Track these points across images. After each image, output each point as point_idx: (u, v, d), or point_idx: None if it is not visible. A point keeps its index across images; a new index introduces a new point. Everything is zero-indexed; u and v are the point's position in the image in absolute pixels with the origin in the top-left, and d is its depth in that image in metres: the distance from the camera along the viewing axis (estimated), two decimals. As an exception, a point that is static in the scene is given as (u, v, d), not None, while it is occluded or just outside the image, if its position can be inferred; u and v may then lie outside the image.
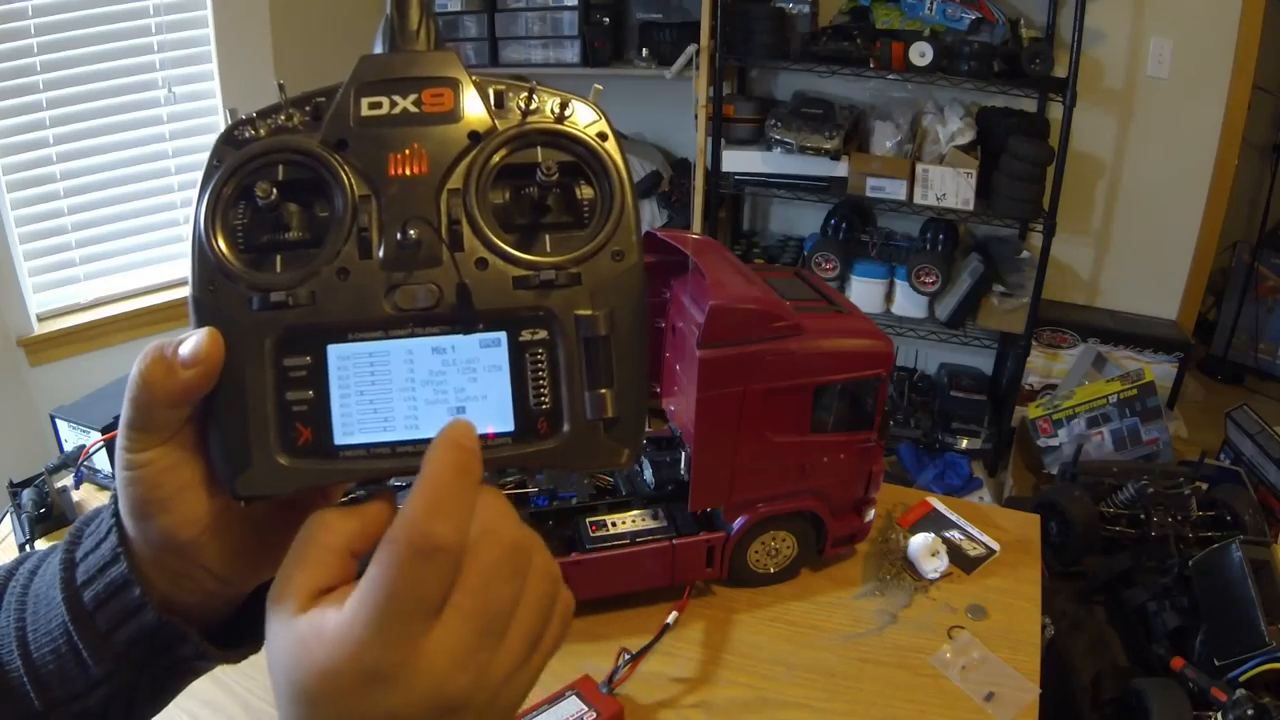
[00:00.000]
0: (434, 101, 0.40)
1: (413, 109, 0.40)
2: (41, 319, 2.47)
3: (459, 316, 0.39)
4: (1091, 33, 2.69)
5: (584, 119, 0.42)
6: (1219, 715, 1.19)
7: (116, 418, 1.33)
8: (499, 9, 3.04)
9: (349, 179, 0.39)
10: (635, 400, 0.40)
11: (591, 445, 0.40)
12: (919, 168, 2.78)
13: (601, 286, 0.40)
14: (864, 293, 2.97)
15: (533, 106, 0.41)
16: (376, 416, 0.39)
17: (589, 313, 0.39)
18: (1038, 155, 2.66)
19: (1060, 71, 2.66)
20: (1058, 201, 2.67)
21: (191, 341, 0.38)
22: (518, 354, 0.39)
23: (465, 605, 0.35)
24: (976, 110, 2.90)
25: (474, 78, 0.40)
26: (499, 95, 0.41)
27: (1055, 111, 2.79)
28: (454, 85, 0.40)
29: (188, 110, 2.57)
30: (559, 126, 0.41)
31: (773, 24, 2.83)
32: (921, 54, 2.66)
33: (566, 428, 0.39)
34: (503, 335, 0.39)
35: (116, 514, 0.42)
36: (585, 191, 0.41)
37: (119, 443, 0.40)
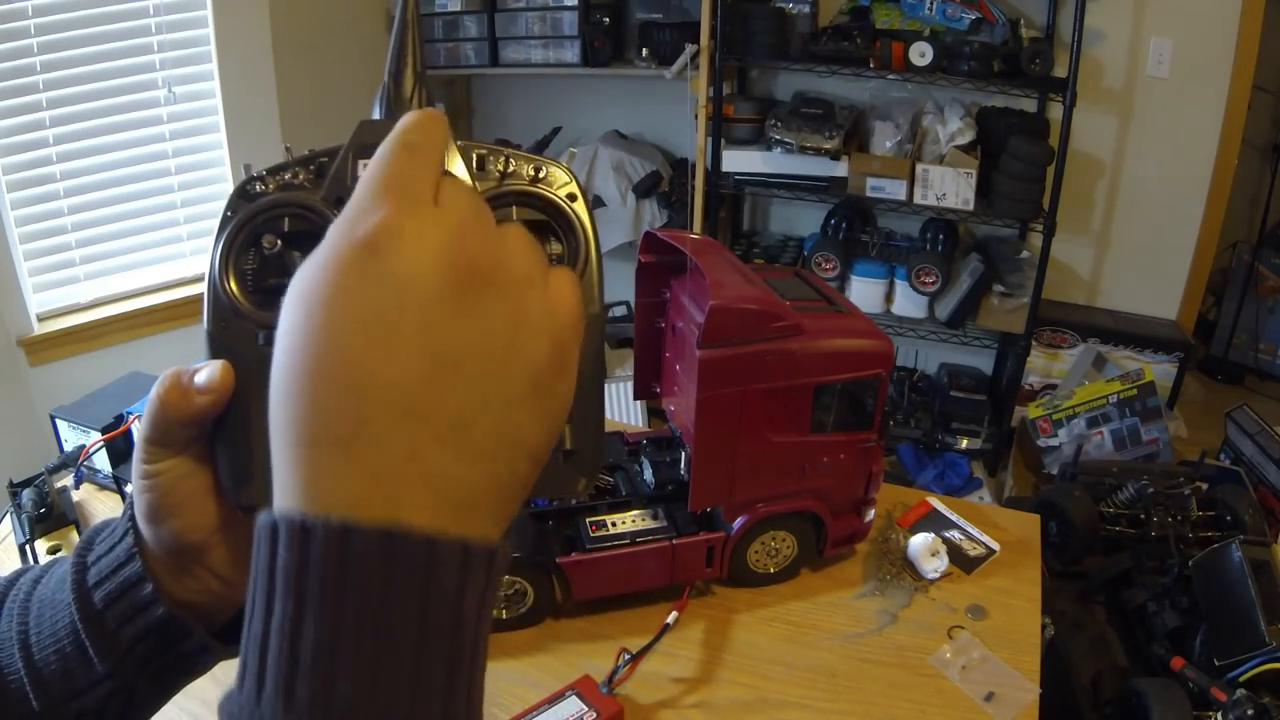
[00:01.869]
0: None
1: None
2: (41, 319, 2.47)
3: None
4: (1091, 33, 2.69)
5: (556, 181, 0.45)
6: (1219, 715, 1.19)
7: (117, 418, 1.34)
8: (499, 9, 3.04)
9: None
10: (593, 435, 0.43)
11: (550, 474, 0.42)
12: (919, 168, 2.78)
13: None
14: (864, 293, 2.97)
15: (510, 169, 0.45)
16: None
17: None
18: (1038, 155, 2.66)
19: (1060, 71, 2.66)
20: (1058, 201, 2.67)
21: (205, 372, 0.43)
22: None
23: (454, 197, 0.34)
24: (976, 110, 2.90)
25: (458, 143, 0.44)
26: (480, 159, 0.45)
27: (1055, 111, 2.79)
28: None
29: (188, 110, 2.57)
30: (532, 188, 0.45)
31: (773, 24, 2.83)
32: (921, 54, 2.66)
33: None
34: None
35: (132, 519, 0.46)
36: (555, 248, 0.45)
37: (136, 454, 0.44)
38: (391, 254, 0.30)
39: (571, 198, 0.45)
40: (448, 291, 0.30)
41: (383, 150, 0.34)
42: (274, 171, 0.46)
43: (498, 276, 0.32)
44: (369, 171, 0.33)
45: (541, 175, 0.45)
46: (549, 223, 0.45)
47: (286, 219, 0.45)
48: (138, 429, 0.45)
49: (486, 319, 0.31)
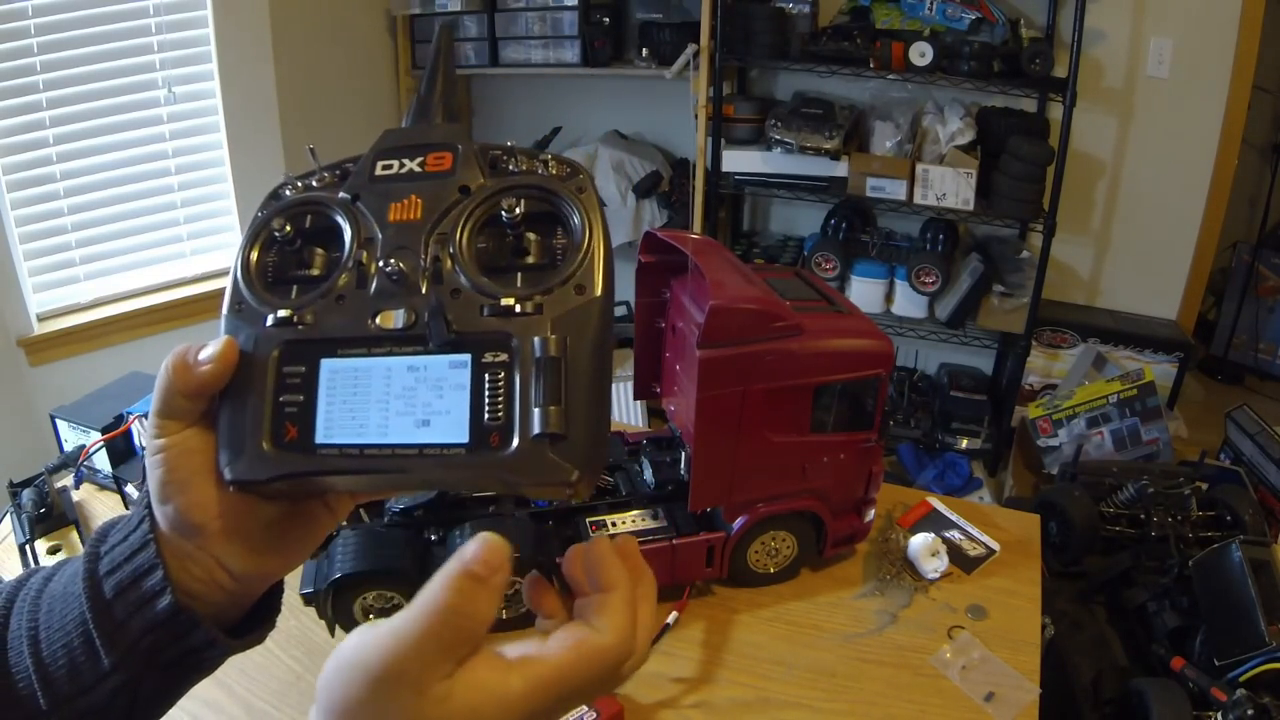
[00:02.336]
0: (435, 163, 0.47)
1: (417, 169, 0.47)
2: (41, 319, 2.47)
3: (431, 337, 0.44)
4: (1091, 33, 2.69)
5: (565, 175, 0.47)
6: (1219, 715, 1.18)
7: (117, 418, 1.34)
8: (499, 9, 3.04)
9: (355, 222, 0.47)
10: (589, 423, 0.42)
11: (537, 460, 0.41)
12: (919, 168, 2.78)
13: (562, 316, 0.43)
14: (864, 293, 2.97)
15: (523, 166, 0.47)
16: (353, 422, 0.44)
17: (546, 337, 0.43)
18: (1038, 155, 2.66)
19: (1060, 71, 2.66)
20: (1058, 201, 2.67)
21: (211, 346, 0.45)
22: (479, 374, 0.43)
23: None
24: (976, 110, 2.90)
25: (475, 145, 0.47)
26: (494, 159, 0.47)
27: (1055, 111, 2.79)
28: (454, 150, 0.47)
29: (188, 110, 2.56)
30: (541, 181, 0.46)
31: (773, 24, 2.83)
32: (921, 54, 2.66)
33: (515, 442, 0.42)
34: (468, 357, 0.44)
35: (149, 506, 0.47)
36: (561, 240, 0.46)
37: (147, 431, 0.46)
38: None
39: (579, 190, 0.46)
40: None
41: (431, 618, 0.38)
42: (304, 176, 0.49)
43: None
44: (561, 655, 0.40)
45: (551, 170, 0.47)
46: (556, 214, 0.46)
47: (309, 216, 0.48)
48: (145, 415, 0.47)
49: None
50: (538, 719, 0.39)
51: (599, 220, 0.46)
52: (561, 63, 3.03)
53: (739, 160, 2.98)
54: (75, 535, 1.27)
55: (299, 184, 0.49)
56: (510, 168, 0.47)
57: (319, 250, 0.47)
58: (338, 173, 0.49)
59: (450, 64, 0.51)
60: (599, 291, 0.44)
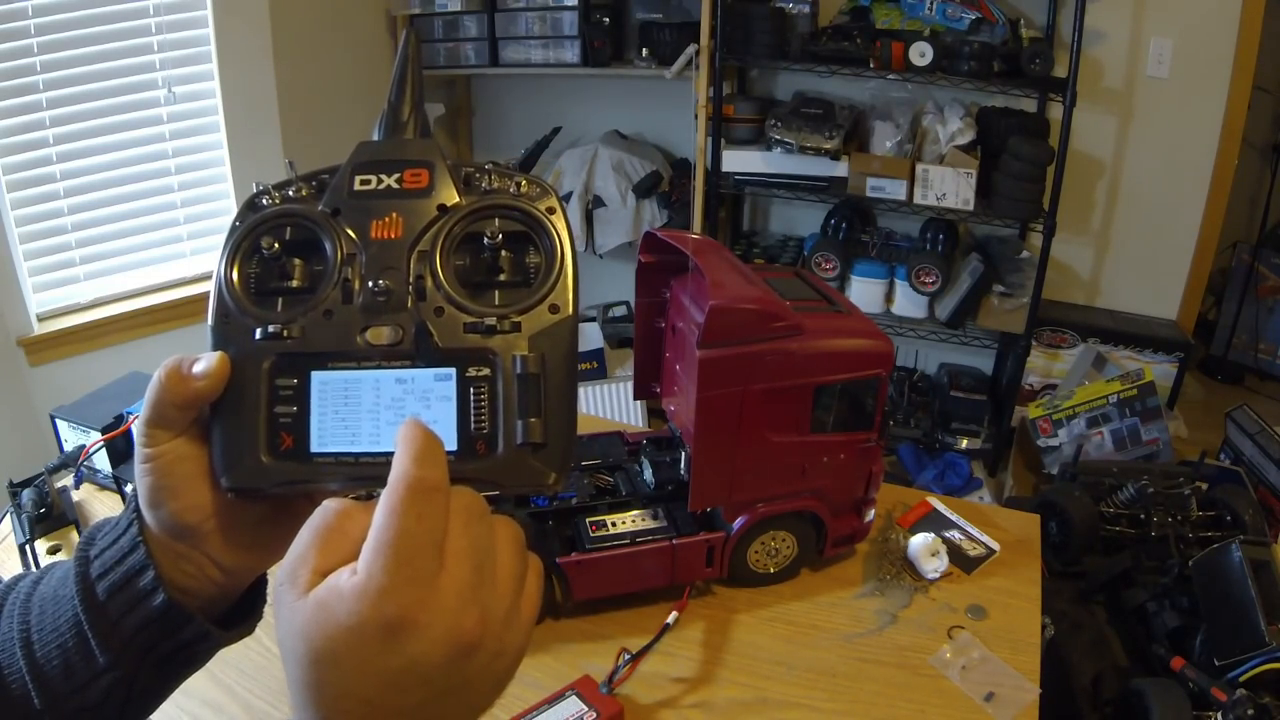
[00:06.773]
0: (413, 180, 0.49)
1: (395, 185, 0.49)
2: (41, 319, 2.47)
3: (418, 353, 0.47)
4: (1091, 33, 2.69)
5: (536, 196, 0.49)
6: (1219, 715, 1.18)
7: (117, 418, 1.34)
8: (499, 9, 3.04)
9: (339, 239, 0.48)
10: (563, 431, 0.46)
11: (521, 466, 0.45)
12: (919, 168, 2.78)
13: (538, 333, 0.47)
14: (864, 293, 2.97)
15: (495, 185, 0.49)
16: (346, 431, 0.47)
17: (525, 354, 0.46)
18: (1038, 155, 2.66)
19: (1060, 71, 2.66)
20: (1058, 201, 2.67)
21: (204, 361, 0.47)
22: (464, 386, 0.46)
23: (458, 545, 0.39)
24: (976, 110, 2.90)
25: (448, 162, 0.49)
26: (468, 176, 0.49)
27: (1055, 111, 2.79)
28: (430, 167, 0.49)
29: (188, 110, 2.57)
30: (514, 202, 0.49)
31: (773, 24, 2.84)
32: (921, 54, 2.66)
33: (500, 449, 0.46)
34: (453, 370, 0.47)
35: (136, 510, 0.48)
36: (534, 258, 0.49)
37: (138, 438, 0.47)
38: (406, 638, 0.37)
39: (550, 210, 0.49)
40: (445, 665, 0.39)
41: (395, 506, 0.38)
42: (280, 186, 0.51)
43: (485, 645, 0.40)
44: (385, 532, 0.38)
45: (523, 190, 0.49)
46: (529, 233, 0.49)
47: (288, 228, 0.49)
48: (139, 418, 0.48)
49: (472, 679, 0.40)
50: (317, 667, 0.38)
51: (571, 242, 0.49)
52: (561, 63, 3.04)
53: (739, 160, 2.98)
54: (75, 535, 1.27)
55: (275, 194, 0.50)
56: (483, 185, 0.49)
57: (298, 262, 0.49)
58: (313, 184, 0.50)
59: (418, 70, 0.52)
60: (570, 310, 0.47)
